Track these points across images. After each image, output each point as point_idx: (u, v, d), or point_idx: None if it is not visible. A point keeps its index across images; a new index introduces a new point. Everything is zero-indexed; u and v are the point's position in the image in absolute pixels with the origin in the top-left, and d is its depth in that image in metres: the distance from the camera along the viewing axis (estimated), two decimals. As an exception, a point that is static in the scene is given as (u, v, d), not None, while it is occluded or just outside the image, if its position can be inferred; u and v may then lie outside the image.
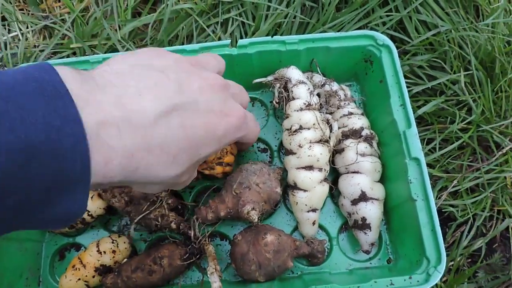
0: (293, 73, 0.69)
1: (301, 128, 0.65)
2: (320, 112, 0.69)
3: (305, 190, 0.65)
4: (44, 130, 0.28)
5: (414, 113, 0.66)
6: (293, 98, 0.67)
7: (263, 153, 0.76)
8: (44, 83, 0.30)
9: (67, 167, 0.30)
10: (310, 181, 0.64)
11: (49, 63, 0.33)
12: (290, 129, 0.66)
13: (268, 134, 0.75)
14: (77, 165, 0.31)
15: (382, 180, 0.69)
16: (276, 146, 0.75)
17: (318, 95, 0.72)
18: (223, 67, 0.53)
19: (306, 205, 0.65)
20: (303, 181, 0.64)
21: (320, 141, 0.65)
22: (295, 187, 0.66)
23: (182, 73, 0.42)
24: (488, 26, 0.69)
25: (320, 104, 0.71)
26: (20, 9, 0.86)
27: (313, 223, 0.67)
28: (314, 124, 0.65)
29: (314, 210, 0.66)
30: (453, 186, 0.64)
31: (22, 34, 0.83)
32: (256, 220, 0.63)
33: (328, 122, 0.69)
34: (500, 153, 0.62)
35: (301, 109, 0.66)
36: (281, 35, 0.80)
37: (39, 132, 0.28)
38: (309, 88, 0.67)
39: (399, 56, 0.76)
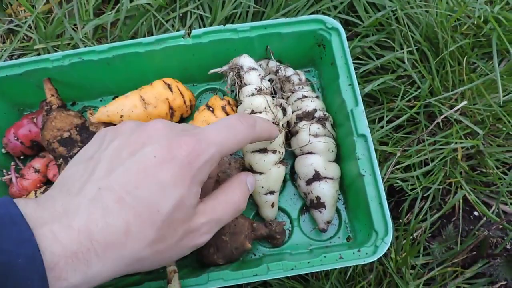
0: (245, 60, 0.71)
1: (253, 112, 0.66)
2: (273, 96, 0.70)
3: (260, 173, 0.66)
4: None
5: (362, 91, 0.67)
6: (245, 85, 0.69)
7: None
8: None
9: (24, 284, 0.32)
10: (264, 163, 0.66)
11: (8, 198, 0.37)
12: None
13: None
14: (35, 282, 0.33)
15: (338, 160, 0.70)
16: None
17: (271, 80, 0.74)
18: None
19: (263, 187, 0.67)
20: (258, 163, 0.66)
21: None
22: (251, 170, 0.67)
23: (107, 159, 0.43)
24: (429, 2, 0.70)
25: (274, 89, 0.73)
26: (-15, 15, 0.89)
27: (272, 205, 0.68)
28: (265, 107, 0.66)
29: (272, 193, 0.68)
30: (399, 163, 0.66)
31: (-14, 38, 0.86)
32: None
33: (281, 105, 0.70)
34: (440, 120, 0.63)
35: (253, 94, 0.67)
36: (236, 24, 0.82)
37: None
38: (260, 74, 0.69)
39: (352, 39, 0.78)
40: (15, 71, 0.72)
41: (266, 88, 0.68)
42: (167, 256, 0.43)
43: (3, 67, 0.71)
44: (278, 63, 0.75)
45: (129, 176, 0.40)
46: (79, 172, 0.42)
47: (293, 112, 0.72)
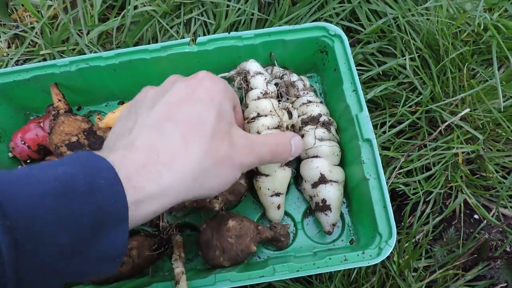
0: (252, 65, 0.72)
1: (258, 115, 0.68)
2: (279, 100, 0.72)
3: (266, 175, 0.68)
4: (84, 177, 0.36)
5: (364, 97, 0.68)
6: (251, 89, 0.70)
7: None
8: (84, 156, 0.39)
9: (105, 204, 0.36)
10: (270, 165, 0.67)
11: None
12: (249, 117, 0.69)
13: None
14: (114, 202, 0.37)
15: (342, 164, 0.72)
16: None
17: (277, 84, 0.75)
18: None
19: (269, 189, 0.68)
20: (263, 167, 0.67)
21: (278, 127, 0.68)
22: (257, 172, 0.69)
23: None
24: (430, 10, 0.72)
25: (280, 93, 0.74)
26: (-9, 20, 0.90)
27: (278, 207, 0.69)
28: (270, 111, 0.67)
29: (278, 195, 0.69)
30: (406, 167, 0.67)
31: (-7, 43, 0.87)
32: (217, 208, 0.66)
33: (288, 110, 0.71)
34: (443, 127, 0.65)
35: (258, 98, 0.69)
36: (241, 31, 0.83)
37: (79, 179, 0.36)
38: (266, 78, 0.70)
39: (354, 45, 0.79)
40: (22, 76, 0.72)
41: (272, 92, 0.70)
42: (223, 173, 0.47)
43: (11, 72, 0.72)
44: (283, 69, 0.76)
45: (170, 103, 0.46)
46: (126, 124, 0.48)
47: (298, 117, 0.73)
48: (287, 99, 0.76)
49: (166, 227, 0.68)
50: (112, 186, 0.37)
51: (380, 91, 0.71)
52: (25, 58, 0.84)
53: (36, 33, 0.84)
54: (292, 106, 0.73)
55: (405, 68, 0.72)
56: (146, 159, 0.41)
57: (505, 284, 0.70)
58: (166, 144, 0.43)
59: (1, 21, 0.90)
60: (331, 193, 0.67)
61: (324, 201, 0.67)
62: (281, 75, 0.76)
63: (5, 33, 0.87)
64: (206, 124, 0.46)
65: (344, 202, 0.73)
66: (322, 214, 0.68)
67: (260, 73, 0.71)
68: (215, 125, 0.46)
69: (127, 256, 0.66)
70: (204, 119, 0.46)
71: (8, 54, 0.85)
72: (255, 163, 0.52)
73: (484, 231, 0.73)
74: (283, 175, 0.68)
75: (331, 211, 0.67)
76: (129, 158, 0.40)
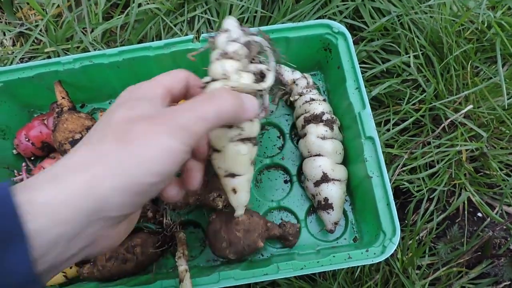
0: (225, 23, 0.55)
1: (213, 80, 0.52)
2: (252, 62, 0.54)
3: (218, 151, 0.54)
4: None
5: (368, 94, 0.68)
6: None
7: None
8: None
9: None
10: (219, 138, 0.52)
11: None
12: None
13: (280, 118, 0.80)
14: (6, 220, 0.31)
15: (345, 162, 0.72)
16: (287, 131, 0.79)
17: (248, 44, 0.54)
18: None
19: (219, 167, 0.55)
20: (213, 138, 0.53)
21: None
22: (212, 148, 0.55)
23: None
24: (433, 8, 0.72)
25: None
26: (-4, 18, 0.91)
27: (234, 191, 0.56)
28: (224, 74, 0.51)
29: (232, 175, 0.55)
30: (409, 164, 0.67)
31: (-2, 41, 0.87)
32: (221, 206, 0.66)
33: (260, 73, 0.54)
34: (446, 124, 0.64)
35: (217, 60, 0.53)
36: (244, 29, 0.83)
37: None
38: (230, 36, 0.53)
39: (358, 43, 0.79)
40: (27, 73, 0.73)
41: (234, 52, 0.52)
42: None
43: (16, 69, 0.73)
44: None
45: None
46: None
47: (301, 115, 0.73)
48: (260, 61, 0.56)
49: (169, 224, 0.69)
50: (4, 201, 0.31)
51: (384, 88, 0.71)
52: (29, 56, 0.85)
53: (40, 30, 0.84)
54: (267, 69, 0.54)
55: (409, 66, 0.72)
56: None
57: (509, 282, 0.70)
58: None
59: (6, 19, 0.90)
60: (333, 192, 0.67)
61: (326, 199, 0.67)
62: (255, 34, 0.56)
63: (10, 31, 0.87)
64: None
65: (347, 200, 0.73)
66: (325, 212, 0.68)
67: (226, 30, 0.54)
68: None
69: (131, 254, 0.66)
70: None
71: (13, 52, 0.86)
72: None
73: (488, 229, 0.73)
74: (234, 151, 0.53)
75: (333, 210, 0.67)
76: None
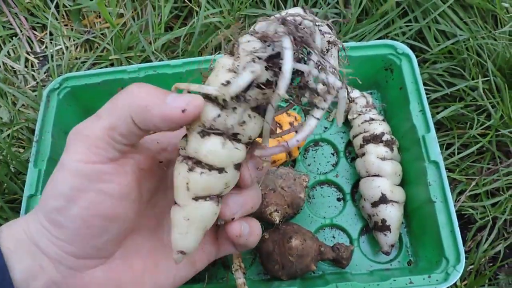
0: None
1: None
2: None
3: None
4: None
5: (433, 118, 0.68)
6: None
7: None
8: None
9: None
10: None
11: None
12: None
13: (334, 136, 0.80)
14: None
15: (402, 184, 0.71)
16: (342, 148, 0.79)
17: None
18: None
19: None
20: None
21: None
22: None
23: None
24: (505, 34, 0.71)
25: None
26: (65, 25, 0.94)
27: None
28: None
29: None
30: (471, 190, 0.66)
31: (66, 47, 0.91)
32: (278, 221, 0.66)
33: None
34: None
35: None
36: (305, 46, 0.84)
37: None
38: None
39: (419, 65, 0.79)
40: (93, 80, 0.76)
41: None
42: None
43: (83, 76, 0.76)
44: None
45: None
46: None
47: (359, 134, 0.73)
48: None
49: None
50: None
51: (449, 112, 0.70)
52: (93, 62, 0.88)
53: (105, 37, 0.88)
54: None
55: (473, 90, 0.71)
56: None
57: None
58: None
59: (73, 27, 0.94)
60: (392, 214, 0.66)
61: (384, 221, 0.67)
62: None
63: (78, 38, 0.91)
64: None
65: (402, 223, 0.72)
66: (381, 234, 0.67)
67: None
68: None
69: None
70: None
71: (77, 58, 0.89)
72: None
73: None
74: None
75: (390, 232, 0.67)
76: None
